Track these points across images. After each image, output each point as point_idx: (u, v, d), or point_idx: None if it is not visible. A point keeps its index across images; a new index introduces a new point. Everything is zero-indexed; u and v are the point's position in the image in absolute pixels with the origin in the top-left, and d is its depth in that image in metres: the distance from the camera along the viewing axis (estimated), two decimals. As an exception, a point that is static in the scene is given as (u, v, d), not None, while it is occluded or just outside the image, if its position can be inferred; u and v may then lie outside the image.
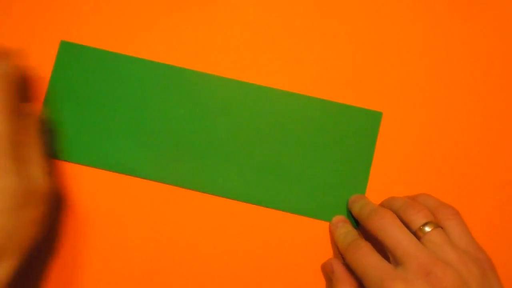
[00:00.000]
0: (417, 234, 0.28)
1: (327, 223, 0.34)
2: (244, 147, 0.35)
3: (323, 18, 0.37)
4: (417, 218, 0.28)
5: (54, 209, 0.34)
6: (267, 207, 0.34)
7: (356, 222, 0.34)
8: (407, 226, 0.29)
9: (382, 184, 0.35)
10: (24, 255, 0.26)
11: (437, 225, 0.28)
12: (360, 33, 0.37)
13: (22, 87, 0.31)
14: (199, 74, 0.36)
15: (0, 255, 0.25)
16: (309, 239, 0.34)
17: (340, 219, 0.33)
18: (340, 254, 0.32)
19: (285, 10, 0.37)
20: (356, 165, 0.35)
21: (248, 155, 0.35)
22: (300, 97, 0.36)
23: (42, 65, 0.36)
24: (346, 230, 0.32)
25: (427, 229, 0.28)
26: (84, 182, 0.35)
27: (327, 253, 0.34)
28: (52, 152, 0.35)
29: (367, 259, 0.28)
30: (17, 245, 0.26)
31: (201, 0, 0.37)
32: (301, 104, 0.36)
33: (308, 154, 0.35)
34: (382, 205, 0.32)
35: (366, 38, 0.37)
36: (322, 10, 0.37)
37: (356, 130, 0.35)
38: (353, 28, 0.37)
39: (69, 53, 0.36)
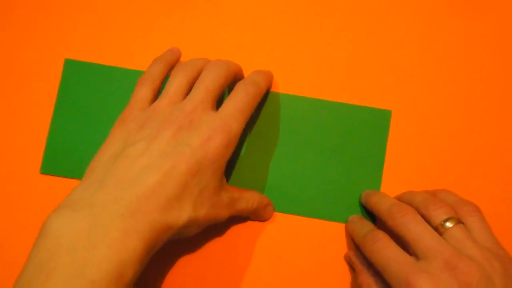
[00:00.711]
0: (438, 229, 0.28)
1: (343, 225, 0.34)
2: (254, 152, 0.35)
3: (329, 18, 0.37)
4: (438, 214, 0.28)
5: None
6: (280, 211, 0.34)
7: (372, 218, 0.33)
8: (428, 222, 0.28)
9: (395, 183, 0.35)
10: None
11: (458, 220, 0.28)
12: (366, 33, 0.37)
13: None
14: None
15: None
16: (324, 241, 0.34)
17: (355, 216, 0.33)
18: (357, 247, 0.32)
19: (291, 12, 0.37)
20: (368, 164, 0.34)
21: (258, 160, 0.35)
22: (308, 100, 0.36)
23: (47, 83, 0.36)
24: (362, 223, 0.32)
25: (449, 224, 0.28)
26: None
27: (342, 254, 0.34)
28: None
29: (387, 251, 0.27)
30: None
31: (206, 17, 0.38)
32: (309, 106, 0.35)
33: (319, 157, 0.34)
34: (400, 199, 0.32)
35: (373, 38, 0.37)
36: (328, 10, 0.37)
37: (367, 130, 0.35)
38: (359, 28, 0.37)
39: (74, 70, 0.36)
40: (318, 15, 0.37)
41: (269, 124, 0.35)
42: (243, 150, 0.35)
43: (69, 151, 0.35)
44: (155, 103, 0.30)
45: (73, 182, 0.35)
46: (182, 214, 0.25)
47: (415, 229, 0.27)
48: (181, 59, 0.35)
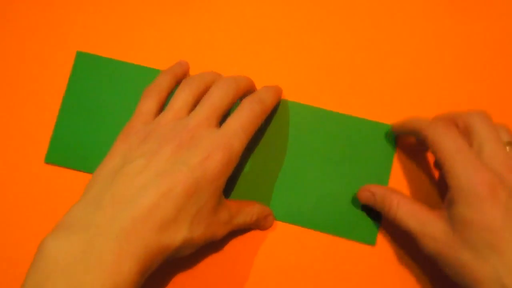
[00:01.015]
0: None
1: (345, 240, 0.34)
2: (258, 160, 0.35)
3: (342, 32, 0.36)
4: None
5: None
6: (282, 221, 0.34)
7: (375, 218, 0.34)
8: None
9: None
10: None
11: None
12: (381, 48, 0.36)
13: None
14: None
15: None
16: (323, 254, 0.34)
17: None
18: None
19: (303, 24, 0.36)
20: (373, 180, 0.34)
21: (262, 167, 0.34)
22: (317, 111, 0.35)
23: (58, 75, 0.36)
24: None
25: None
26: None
27: (342, 268, 0.34)
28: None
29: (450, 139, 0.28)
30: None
31: (219, 17, 0.37)
32: (318, 117, 0.35)
33: (324, 168, 0.34)
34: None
35: (387, 53, 0.36)
36: (341, 23, 0.36)
37: (374, 145, 0.34)
38: (374, 43, 0.36)
39: (85, 63, 0.36)
40: (331, 28, 0.36)
41: (275, 132, 0.35)
42: (247, 157, 0.35)
43: (74, 143, 0.35)
44: (159, 117, 0.29)
45: (76, 174, 0.35)
46: (177, 236, 0.26)
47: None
48: (200, 57, 0.34)
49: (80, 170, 0.35)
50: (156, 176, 0.26)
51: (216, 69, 0.34)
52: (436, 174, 0.35)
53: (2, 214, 0.35)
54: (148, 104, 0.30)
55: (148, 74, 0.35)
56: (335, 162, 0.34)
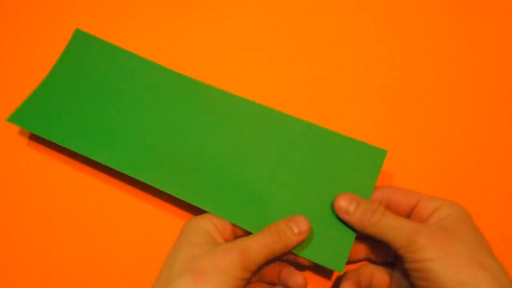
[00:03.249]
0: None
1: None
2: (233, 165, 0.33)
3: (341, 48, 0.38)
4: None
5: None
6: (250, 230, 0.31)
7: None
8: None
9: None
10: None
11: None
12: (382, 73, 0.37)
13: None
14: (208, 87, 0.35)
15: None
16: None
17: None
18: None
19: (303, 24, 0.38)
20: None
21: (238, 174, 0.32)
22: (305, 124, 0.34)
23: (54, 50, 0.37)
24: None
25: None
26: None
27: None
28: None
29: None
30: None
31: (221, 11, 0.37)
32: (304, 131, 0.33)
33: (302, 184, 0.32)
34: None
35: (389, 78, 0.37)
36: (339, 39, 0.37)
37: (358, 166, 0.32)
38: (374, 66, 0.37)
39: (81, 41, 0.37)
40: (328, 43, 0.38)
41: (257, 141, 0.33)
42: (221, 160, 0.33)
43: (45, 111, 0.34)
44: None
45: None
46: None
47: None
48: (196, 53, 0.34)
49: (41, 136, 0.34)
50: None
51: (215, 66, 0.34)
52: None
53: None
54: None
55: (140, 64, 0.35)
56: (316, 179, 0.32)
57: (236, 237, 0.31)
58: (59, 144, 0.33)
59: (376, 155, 0.32)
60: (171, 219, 0.33)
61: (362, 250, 0.31)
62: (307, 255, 0.30)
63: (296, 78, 0.37)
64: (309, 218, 0.30)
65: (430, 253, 0.26)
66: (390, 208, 0.30)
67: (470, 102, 0.36)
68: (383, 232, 0.28)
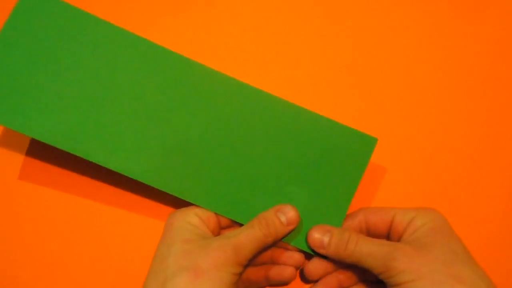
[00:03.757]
0: None
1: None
2: (219, 149, 0.31)
3: (338, 38, 0.37)
4: None
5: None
6: (241, 222, 0.31)
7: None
8: None
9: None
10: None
11: None
12: (382, 67, 0.37)
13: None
14: (192, 63, 0.31)
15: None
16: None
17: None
18: None
19: (302, 25, 0.37)
20: (338, 190, 0.31)
21: (223, 161, 0.31)
22: (295, 108, 0.32)
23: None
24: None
25: None
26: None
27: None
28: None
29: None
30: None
31: (218, 16, 0.37)
32: (294, 114, 0.32)
33: (290, 170, 0.31)
34: None
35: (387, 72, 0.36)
36: (342, 26, 0.37)
37: (347, 153, 0.31)
38: (373, 58, 0.36)
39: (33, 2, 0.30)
40: (325, 32, 0.37)
41: (244, 124, 0.31)
42: (208, 143, 0.31)
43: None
44: None
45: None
46: None
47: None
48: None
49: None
50: None
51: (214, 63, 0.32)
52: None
53: None
54: None
55: (108, 30, 0.30)
56: (302, 164, 0.31)
57: (221, 227, 0.31)
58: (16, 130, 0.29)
59: (366, 143, 0.32)
60: (153, 214, 0.33)
61: (354, 273, 0.31)
62: (297, 244, 0.31)
63: (295, 66, 0.36)
64: (297, 205, 0.30)
65: (407, 276, 0.26)
66: (370, 230, 0.31)
67: (469, 100, 0.36)
68: (361, 260, 0.28)
